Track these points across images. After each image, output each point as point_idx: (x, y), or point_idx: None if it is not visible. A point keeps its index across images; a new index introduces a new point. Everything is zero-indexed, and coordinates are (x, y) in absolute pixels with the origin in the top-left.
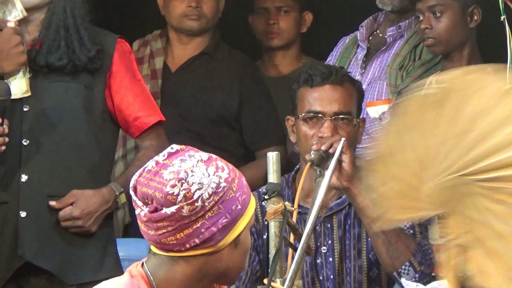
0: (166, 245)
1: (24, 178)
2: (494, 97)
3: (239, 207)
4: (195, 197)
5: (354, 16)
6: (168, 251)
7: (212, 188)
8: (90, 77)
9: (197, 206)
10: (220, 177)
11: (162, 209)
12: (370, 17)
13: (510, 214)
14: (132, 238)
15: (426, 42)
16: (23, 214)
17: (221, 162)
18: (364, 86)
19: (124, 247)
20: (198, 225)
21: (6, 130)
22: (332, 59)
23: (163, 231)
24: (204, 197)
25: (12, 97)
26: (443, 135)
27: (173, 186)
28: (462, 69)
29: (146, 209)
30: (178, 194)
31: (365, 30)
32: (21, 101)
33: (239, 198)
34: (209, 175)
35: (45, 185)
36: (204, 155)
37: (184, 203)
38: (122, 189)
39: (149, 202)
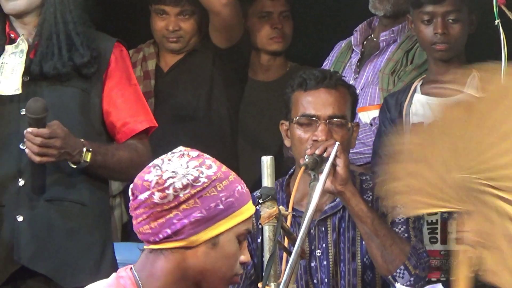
0: (143, 234)
1: (21, 182)
2: None
3: (221, 207)
4: (166, 184)
5: (347, 20)
6: (146, 242)
7: (188, 180)
8: (87, 81)
9: (168, 194)
10: (202, 172)
11: (138, 195)
12: (365, 21)
13: None
14: (130, 242)
15: (438, 46)
16: (19, 218)
17: (211, 161)
18: (357, 91)
19: (122, 251)
20: (172, 215)
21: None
22: (328, 64)
23: (140, 219)
24: (176, 186)
25: (4, 93)
26: (470, 138)
27: (149, 172)
28: (503, 77)
29: (131, 199)
30: (151, 180)
31: (359, 35)
32: (18, 105)
33: (223, 199)
34: (187, 167)
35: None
36: (194, 153)
37: (156, 189)
38: (91, 149)
39: (135, 192)
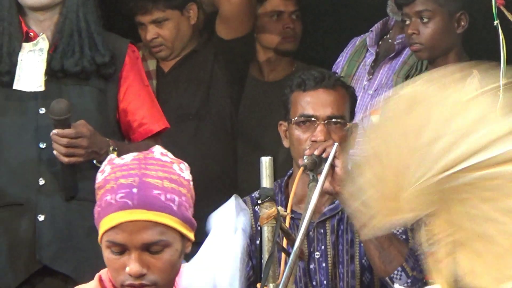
0: None
1: (42, 181)
2: (456, 106)
3: (95, 215)
4: None
5: (355, 20)
6: None
7: (97, 177)
8: (103, 81)
9: None
10: (97, 178)
11: None
12: (380, 21)
13: (495, 212)
14: None
15: (412, 47)
16: (41, 217)
17: (109, 166)
18: (370, 92)
19: None
20: None
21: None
22: (342, 60)
23: None
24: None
25: (26, 89)
26: (412, 146)
27: None
28: (422, 78)
29: None
30: None
31: (374, 35)
32: (37, 103)
33: (97, 208)
34: (103, 168)
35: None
36: (133, 153)
37: None
38: (117, 148)
39: None
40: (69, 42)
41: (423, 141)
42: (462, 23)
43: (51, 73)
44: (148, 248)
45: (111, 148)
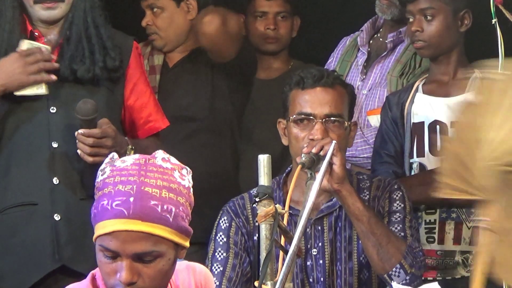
0: None
1: (56, 180)
2: None
3: (92, 215)
4: None
5: (351, 18)
6: None
7: (97, 175)
8: (111, 80)
9: None
10: (97, 177)
11: None
12: (369, 21)
13: None
14: None
15: (415, 44)
16: (57, 217)
17: (108, 167)
18: (364, 92)
19: None
20: None
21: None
22: (333, 61)
23: None
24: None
25: (29, 94)
26: (501, 123)
27: None
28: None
29: None
30: None
31: (365, 35)
32: (48, 103)
33: (93, 209)
34: (104, 167)
35: (76, 188)
36: (135, 156)
37: None
38: (134, 146)
39: None
40: (77, 47)
41: (493, 126)
42: (466, 22)
43: (61, 79)
44: (140, 257)
45: (129, 147)
